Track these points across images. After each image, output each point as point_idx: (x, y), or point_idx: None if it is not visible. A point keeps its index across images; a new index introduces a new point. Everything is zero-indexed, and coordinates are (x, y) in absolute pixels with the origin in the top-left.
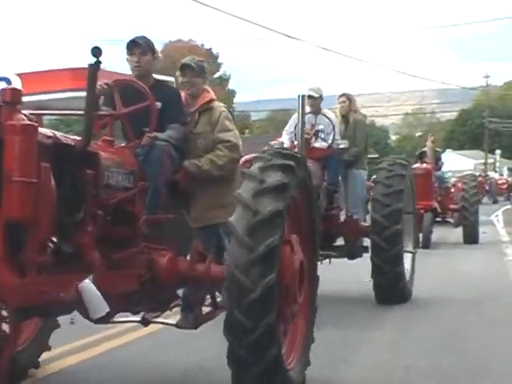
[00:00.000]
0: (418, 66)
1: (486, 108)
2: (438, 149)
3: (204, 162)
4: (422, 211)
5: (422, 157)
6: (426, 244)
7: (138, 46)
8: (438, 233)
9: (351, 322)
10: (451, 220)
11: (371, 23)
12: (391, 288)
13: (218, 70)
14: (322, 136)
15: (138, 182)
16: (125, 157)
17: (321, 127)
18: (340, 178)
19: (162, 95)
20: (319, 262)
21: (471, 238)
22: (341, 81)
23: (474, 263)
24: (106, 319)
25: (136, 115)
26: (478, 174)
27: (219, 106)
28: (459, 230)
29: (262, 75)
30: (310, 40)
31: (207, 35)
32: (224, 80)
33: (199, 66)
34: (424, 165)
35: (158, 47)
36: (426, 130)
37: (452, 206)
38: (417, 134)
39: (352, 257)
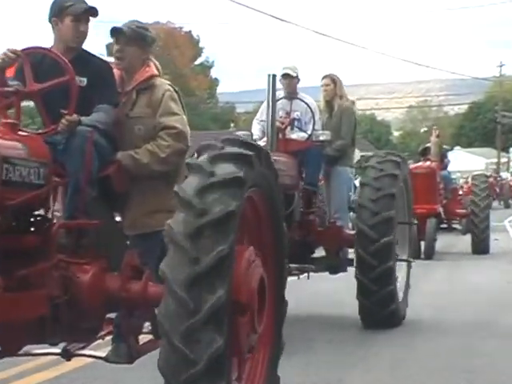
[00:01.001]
0: (423, 53)
1: (500, 101)
2: (445, 146)
3: (142, 153)
4: (424, 216)
5: (425, 153)
6: (430, 254)
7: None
8: (443, 241)
9: (346, 337)
10: (458, 226)
11: (371, 5)
12: (379, 311)
13: (199, 56)
14: (299, 125)
15: (51, 178)
16: (33, 146)
17: (297, 115)
18: (321, 176)
19: (88, 69)
20: (296, 277)
21: (481, 247)
22: (338, 70)
23: (483, 275)
24: (11, 351)
25: (54, 94)
26: (489, 174)
27: (163, 83)
28: (467, 238)
29: (249, 62)
30: (303, 23)
31: (187, 17)
32: (206, 67)
33: (133, 31)
34: (427, 163)
35: None
36: (432, 125)
37: (459, 211)
38: (422, 130)
39: (334, 271)
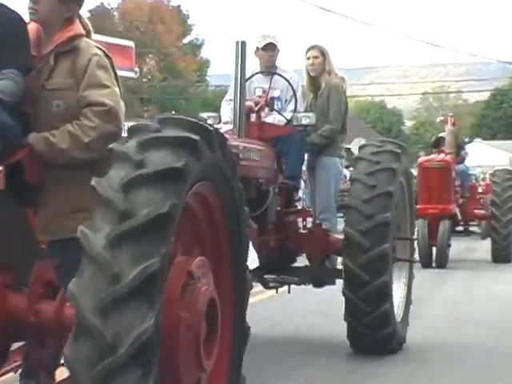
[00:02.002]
0: (441, 34)
1: None
2: (463, 137)
3: (61, 136)
4: (437, 218)
5: (438, 145)
6: (442, 261)
7: None
8: (458, 247)
9: (343, 359)
10: (477, 229)
11: None
12: (372, 335)
13: (188, 34)
14: (280, 106)
15: None
16: None
17: (277, 93)
18: (304, 169)
19: None
20: (274, 291)
21: (502, 255)
22: (344, 51)
23: (505, 283)
24: None
25: None
26: None
27: (90, 46)
28: (487, 243)
29: None
30: None
31: None
32: (196, 46)
33: None
34: (441, 155)
35: (113, 3)
36: (451, 115)
37: (478, 212)
38: (438, 119)
39: (319, 283)
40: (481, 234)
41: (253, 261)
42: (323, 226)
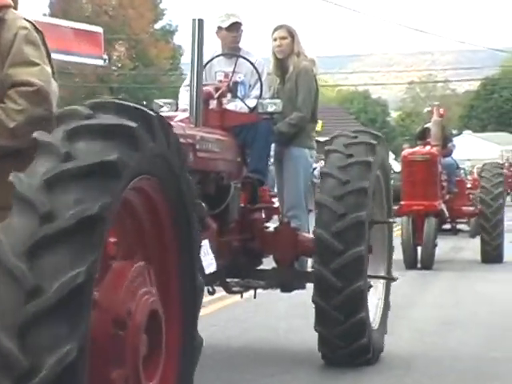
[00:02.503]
0: (428, 20)
1: None
2: (450, 128)
3: None
4: (421, 215)
5: (423, 136)
6: (428, 262)
7: None
8: (445, 246)
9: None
10: (466, 227)
11: None
12: (346, 346)
13: (160, 19)
14: (242, 92)
15: None
16: None
17: (240, 78)
18: (271, 161)
19: None
20: (239, 296)
21: (493, 255)
22: (326, 37)
23: (496, 284)
24: None
25: None
26: (503, 162)
27: (16, 18)
28: (476, 242)
29: None
30: None
31: None
32: (168, 32)
33: None
34: (427, 148)
35: None
36: (438, 105)
37: (466, 209)
38: (425, 110)
39: (288, 288)
40: (470, 232)
41: (209, 265)
42: (292, 225)
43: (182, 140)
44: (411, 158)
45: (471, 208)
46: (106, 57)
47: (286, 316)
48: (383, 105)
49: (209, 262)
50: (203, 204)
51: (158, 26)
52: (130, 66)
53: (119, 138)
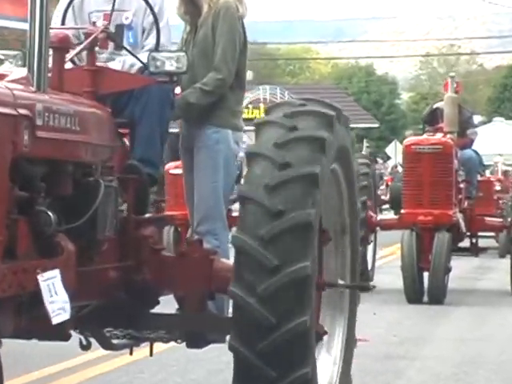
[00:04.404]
0: None
1: None
2: (469, 110)
3: None
4: (429, 229)
5: (433, 120)
6: (437, 294)
7: None
8: (462, 270)
9: None
10: (493, 243)
11: None
12: None
13: None
14: (131, 40)
15: None
16: None
17: (127, 18)
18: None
19: None
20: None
21: None
22: None
23: None
24: None
25: None
26: None
27: None
28: (507, 263)
29: None
30: None
31: None
32: None
33: None
34: (437, 136)
35: None
36: (461, 83)
37: (493, 221)
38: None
39: (197, 342)
40: (499, 250)
41: (59, 310)
42: (205, 245)
43: (8, 110)
44: (416, 149)
45: (499, 220)
46: None
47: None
48: (391, 83)
49: (59, 306)
50: (50, 213)
51: None
52: None
53: None
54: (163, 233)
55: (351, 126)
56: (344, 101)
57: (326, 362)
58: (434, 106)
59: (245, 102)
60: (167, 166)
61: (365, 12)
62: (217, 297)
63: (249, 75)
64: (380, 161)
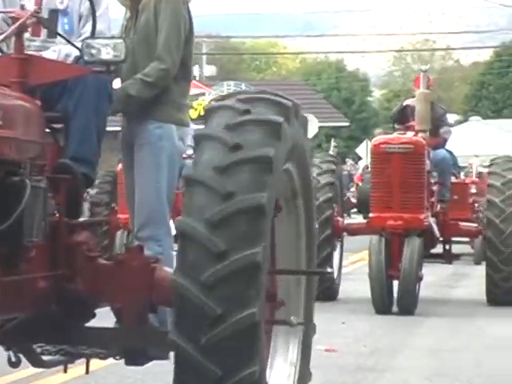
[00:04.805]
0: None
1: None
2: (442, 107)
3: None
4: (399, 234)
5: (403, 117)
6: (408, 304)
7: None
8: (436, 279)
9: None
10: (469, 250)
11: None
12: None
13: None
14: (67, 28)
15: None
16: None
17: (62, 3)
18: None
19: None
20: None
21: (505, 290)
22: None
23: (507, 325)
24: None
25: None
26: None
27: None
28: (483, 270)
29: None
30: None
31: None
32: None
33: None
34: (408, 134)
35: None
36: (436, 80)
37: (468, 226)
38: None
39: (136, 359)
40: (474, 256)
41: None
42: (146, 252)
43: None
44: (385, 149)
45: (473, 225)
46: None
47: None
48: (363, 80)
49: None
50: None
51: None
52: None
53: None
54: (116, 238)
55: (320, 124)
56: (313, 98)
57: (282, 360)
58: (405, 103)
59: (208, 99)
60: (120, 165)
61: (335, 5)
62: (159, 309)
63: (212, 71)
64: (350, 161)
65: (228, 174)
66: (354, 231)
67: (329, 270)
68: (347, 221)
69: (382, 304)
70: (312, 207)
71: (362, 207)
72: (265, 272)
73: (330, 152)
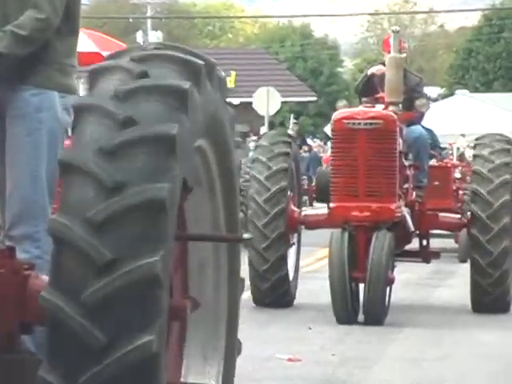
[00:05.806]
0: None
1: None
2: (418, 75)
3: None
4: (365, 228)
5: (369, 89)
6: (376, 313)
7: None
8: (415, 276)
9: None
10: (452, 243)
11: None
12: None
13: None
14: None
15: None
16: None
17: None
18: None
19: None
20: None
21: (490, 295)
22: None
23: (494, 334)
24: None
25: None
26: None
27: None
28: (468, 268)
29: None
30: None
31: None
32: None
33: None
34: (376, 107)
35: None
36: (417, 48)
37: (447, 217)
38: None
39: None
40: (458, 254)
41: None
42: (18, 255)
43: None
44: (349, 125)
45: (457, 216)
46: None
47: None
48: (332, 48)
49: None
50: None
51: None
52: None
53: None
54: None
55: (283, 99)
56: (275, 69)
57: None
58: (369, 72)
59: None
60: None
61: None
62: (36, 329)
63: (158, 37)
64: (318, 142)
65: (117, 158)
66: (312, 224)
67: (246, 236)
68: (304, 212)
69: (344, 312)
70: (235, 191)
71: (322, 195)
72: (165, 286)
73: (289, 131)
